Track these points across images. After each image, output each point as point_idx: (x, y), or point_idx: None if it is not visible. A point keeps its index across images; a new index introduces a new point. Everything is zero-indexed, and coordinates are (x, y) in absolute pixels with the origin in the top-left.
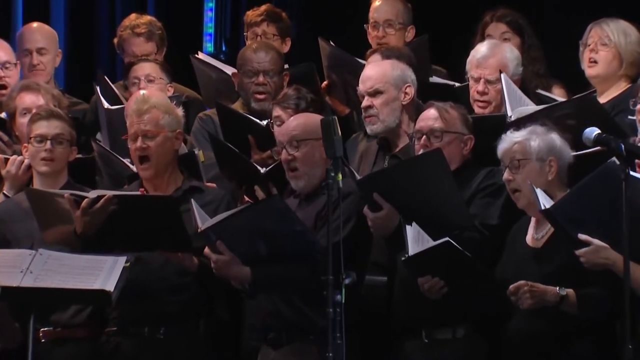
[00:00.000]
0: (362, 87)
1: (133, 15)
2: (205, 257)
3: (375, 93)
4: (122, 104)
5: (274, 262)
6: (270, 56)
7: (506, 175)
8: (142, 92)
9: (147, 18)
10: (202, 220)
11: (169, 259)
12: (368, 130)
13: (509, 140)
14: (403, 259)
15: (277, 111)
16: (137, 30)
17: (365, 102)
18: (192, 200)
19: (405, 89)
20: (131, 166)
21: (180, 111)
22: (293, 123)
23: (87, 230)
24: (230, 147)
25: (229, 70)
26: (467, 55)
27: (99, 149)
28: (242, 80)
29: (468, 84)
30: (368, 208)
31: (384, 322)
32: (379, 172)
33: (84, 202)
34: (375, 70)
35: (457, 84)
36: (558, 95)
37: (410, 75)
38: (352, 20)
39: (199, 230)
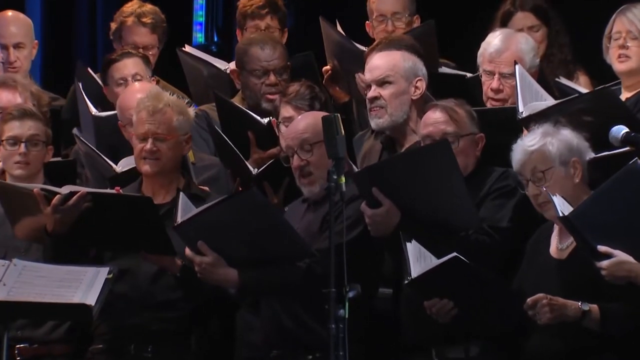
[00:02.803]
0: (369, 76)
1: (135, 2)
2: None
3: (383, 83)
4: (107, 101)
5: (262, 265)
6: (278, 52)
7: (531, 190)
8: (153, 86)
9: (151, 7)
10: (182, 217)
11: (146, 260)
12: (373, 124)
13: (523, 150)
14: (406, 282)
15: (288, 111)
16: (144, 19)
17: (372, 92)
18: (181, 193)
19: (416, 82)
20: (114, 166)
21: (192, 111)
22: (302, 125)
23: (58, 228)
24: (228, 143)
25: (220, 64)
26: (476, 44)
27: (84, 147)
28: (249, 80)
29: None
30: (366, 204)
31: (390, 338)
32: (378, 164)
33: (55, 199)
34: (385, 60)
35: (468, 74)
36: (582, 82)
37: (422, 68)
38: (351, 7)
39: (174, 225)
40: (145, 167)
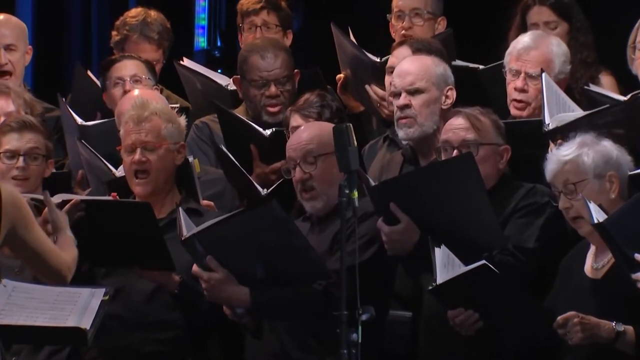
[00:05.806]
0: (399, 83)
1: (140, 11)
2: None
3: (415, 91)
4: (105, 106)
5: (275, 284)
6: (280, 60)
7: (562, 203)
8: (138, 94)
9: (156, 16)
10: (189, 230)
11: (142, 276)
12: (402, 133)
13: (557, 160)
14: (430, 287)
15: (296, 120)
16: (150, 34)
17: (403, 100)
18: (180, 208)
19: (447, 91)
20: (114, 170)
21: (183, 120)
22: (305, 135)
23: None
24: (233, 161)
25: (221, 79)
26: (493, 48)
27: (85, 153)
28: (249, 91)
29: (494, 66)
30: (383, 221)
31: None
32: (396, 178)
33: None
34: (417, 65)
35: (481, 67)
36: (606, 84)
37: (451, 76)
38: (365, 12)
39: (182, 238)
40: (137, 189)
